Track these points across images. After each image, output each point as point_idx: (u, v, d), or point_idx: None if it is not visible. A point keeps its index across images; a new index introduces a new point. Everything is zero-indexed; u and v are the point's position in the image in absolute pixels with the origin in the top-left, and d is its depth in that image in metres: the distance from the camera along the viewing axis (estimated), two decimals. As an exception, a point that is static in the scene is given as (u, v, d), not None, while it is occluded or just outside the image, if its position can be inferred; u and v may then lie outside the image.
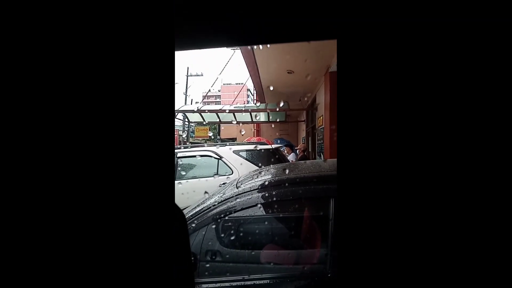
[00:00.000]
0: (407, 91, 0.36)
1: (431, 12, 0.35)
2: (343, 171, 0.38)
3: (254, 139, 5.72)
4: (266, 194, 1.10)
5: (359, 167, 0.37)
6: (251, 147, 3.57)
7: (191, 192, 2.57)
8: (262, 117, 7.54)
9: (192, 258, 1.00)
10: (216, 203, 1.13)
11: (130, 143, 0.37)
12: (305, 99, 6.90)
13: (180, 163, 3.57)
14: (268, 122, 7.77)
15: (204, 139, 9.11)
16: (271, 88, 6.34)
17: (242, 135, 9.19)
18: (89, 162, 0.36)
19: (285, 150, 4.87)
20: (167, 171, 0.39)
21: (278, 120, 7.69)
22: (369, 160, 0.37)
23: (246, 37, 0.56)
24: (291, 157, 5.04)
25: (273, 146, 3.81)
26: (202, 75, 18.14)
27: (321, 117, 5.39)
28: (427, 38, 0.36)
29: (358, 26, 0.37)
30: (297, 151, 5.58)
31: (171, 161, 0.41)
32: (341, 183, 0.38)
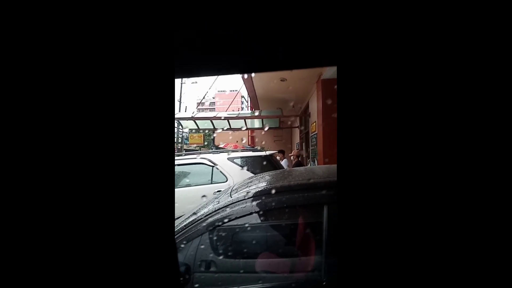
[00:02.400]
0: (405, 109, 0.37)
1: (427, 41, 0.37)
2: (343, 177, 0.38)
3: (231, 146, 5.87)
4: (260, 202, 1.10)
5: (358, 173, 0.38)
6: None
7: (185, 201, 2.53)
8: (256, 123, 7.59)
9: (186, 269, 0.98)
10: (210, 212, 1.12)
11: (132, 150, 0.38)
12: (298, 105, 6.96)
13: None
14: (262, 128, 7.81)
15: (198, 146, 9.10)
16: (264, 96, 6.39)
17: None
18: (93, 168, 0.37)
19: (278, 156, 4.89)
20: (167, 179, 0.39)
21: (270, 127, 7.73)
22: (368, 166, 0.38)
23: (247, 65, 0.56)
24: (283, 163, 5.04)
25: (267, 152, 3.82)
26: (196, 82, 18.21)
27: (314, 123, 5.43)
28: (424, 67, 0.37)
29: (357, 53, 0.38)
30: (292, 157, 5.59)
31: (171, 168, 0.41)
32: (341, 189, 0.38)
